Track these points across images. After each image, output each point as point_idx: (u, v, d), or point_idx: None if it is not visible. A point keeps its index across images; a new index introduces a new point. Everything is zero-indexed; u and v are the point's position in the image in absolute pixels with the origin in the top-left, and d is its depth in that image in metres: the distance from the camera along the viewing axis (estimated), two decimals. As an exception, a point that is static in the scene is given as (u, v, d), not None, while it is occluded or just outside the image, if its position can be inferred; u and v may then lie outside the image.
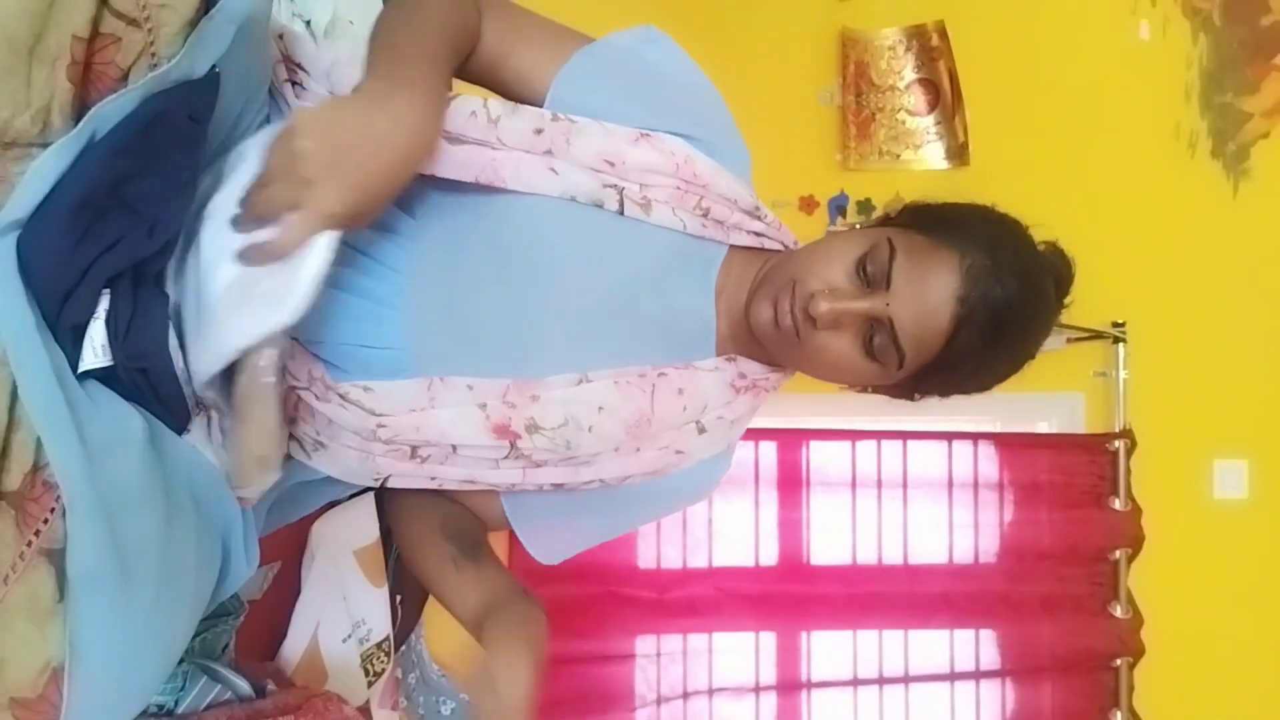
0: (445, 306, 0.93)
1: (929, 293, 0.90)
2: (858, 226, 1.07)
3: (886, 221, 1.00)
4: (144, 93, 0.73)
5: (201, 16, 0.75)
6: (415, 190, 0.94)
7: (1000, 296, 0.90)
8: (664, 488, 1.04)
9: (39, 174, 0.71)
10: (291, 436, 0.95)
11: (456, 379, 0.92)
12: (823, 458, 2.62)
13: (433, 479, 0.98)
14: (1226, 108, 2.72)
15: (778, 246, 1.04)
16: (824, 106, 2.70)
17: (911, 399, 1.01)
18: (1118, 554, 2.62)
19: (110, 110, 0.73)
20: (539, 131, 0.91)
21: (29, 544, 0.69)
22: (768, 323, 0.93)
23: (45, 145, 0.71)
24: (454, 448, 0.94)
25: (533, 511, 1.07)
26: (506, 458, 0.95)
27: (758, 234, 1.02)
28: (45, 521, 0.70)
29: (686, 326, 0.99)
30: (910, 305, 0.90)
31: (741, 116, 1.04)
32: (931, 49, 2.66)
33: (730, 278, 1.01)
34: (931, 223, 0.95)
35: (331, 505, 1.57)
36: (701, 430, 1.00)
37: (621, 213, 0.93)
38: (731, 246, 1.01)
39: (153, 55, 0.73)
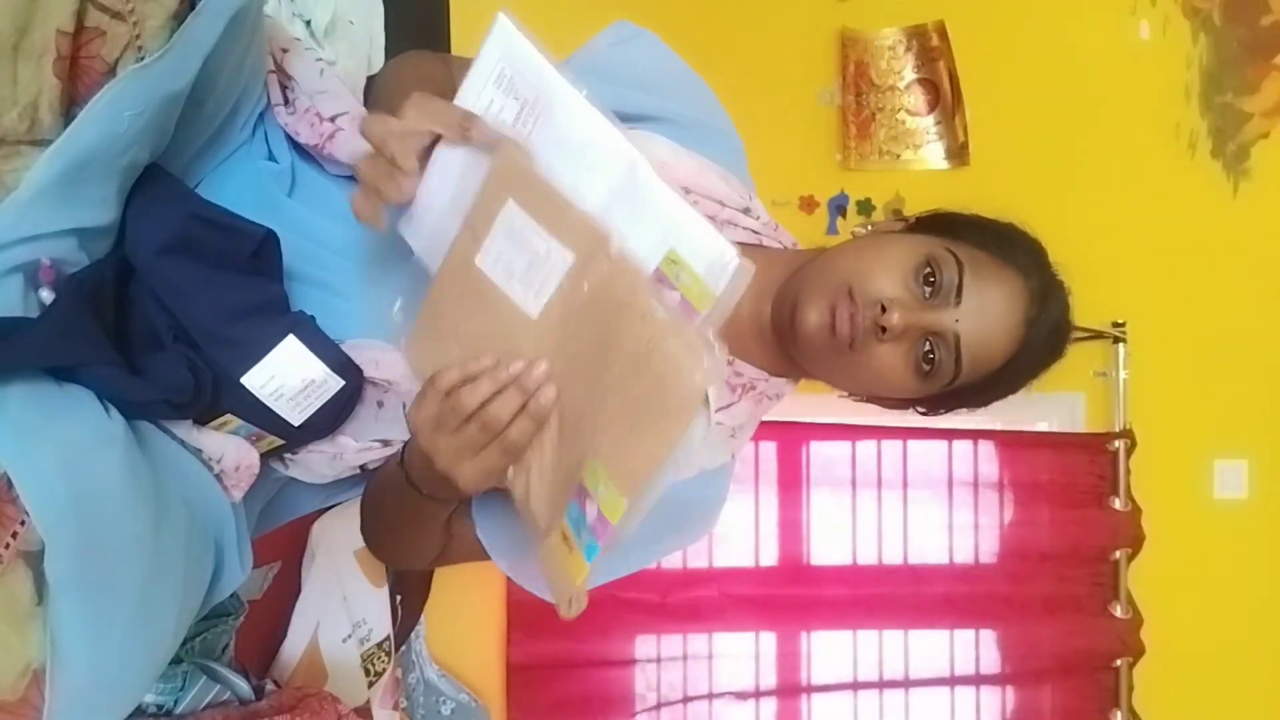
0: (396, 286, 0.88)
1: (1000, 314, 0.89)
2: (869, 227, 1.02)
3: (921, 226, 0.96)
4: (129, 84, 0.72)
5: (187, 10, 0.74)
6: None
7: (1058, 321, 0.92)
8: (663, 501, 0.99)
9: (32, 185, 0.70)
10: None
11: None
12: (823, 457, 2.61)
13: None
14: (1226, 108, 2.72)
15: (776, 245, 1.02)
16: (824, 106, 2.70)
17: (921, 412, 0.98)
18: (1118, 554, 2.62)
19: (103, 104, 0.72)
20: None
21: (6, 546, 0.69)
22: (819, 328, 0.88)
23: (35, 142, 0.71)
24: None
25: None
26: None
27: (755, 231, 1.00)
28: (22, 523, 0.69)
29: None
30: (980, 324, 0.88)
31: (741, 117, 1.03)
32: (931, 49, 2.66)
33: None
34: (988, 239, 0.92)
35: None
36: None
37: None
38: None
39: (139, 49, 0.72)
